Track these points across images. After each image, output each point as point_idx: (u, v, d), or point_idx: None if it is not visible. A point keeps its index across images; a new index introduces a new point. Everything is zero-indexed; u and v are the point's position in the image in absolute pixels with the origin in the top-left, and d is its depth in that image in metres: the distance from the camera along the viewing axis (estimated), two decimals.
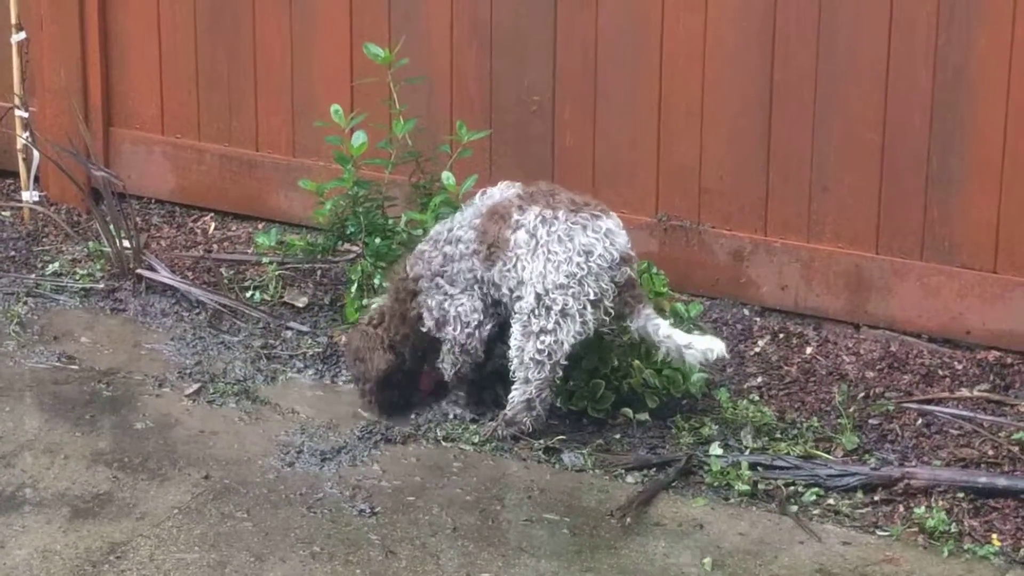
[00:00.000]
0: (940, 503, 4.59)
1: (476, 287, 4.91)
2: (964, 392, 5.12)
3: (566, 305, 4.76)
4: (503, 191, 4.95)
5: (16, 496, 4.65)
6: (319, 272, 5.81)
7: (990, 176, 5.16)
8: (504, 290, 4.88)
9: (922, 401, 5.09)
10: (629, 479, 4.76)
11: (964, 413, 5.01)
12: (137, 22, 6.30)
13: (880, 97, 5.24)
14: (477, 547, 4.43)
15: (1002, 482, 4.64)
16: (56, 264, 6.05)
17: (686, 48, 5.46)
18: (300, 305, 5.68)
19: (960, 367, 5.22)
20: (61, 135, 6.24)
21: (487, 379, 5.08)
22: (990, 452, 4.82)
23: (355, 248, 5.70)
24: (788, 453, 4.83)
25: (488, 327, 4.95)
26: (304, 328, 5.57)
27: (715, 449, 4.82)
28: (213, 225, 6.28)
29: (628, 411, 4.98)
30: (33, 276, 5.98)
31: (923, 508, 4.57)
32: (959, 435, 4.92)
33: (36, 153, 6.34)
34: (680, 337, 4.75)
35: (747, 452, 4.84)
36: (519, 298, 4.83)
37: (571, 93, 5.67)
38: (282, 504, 4.62)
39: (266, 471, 4.79)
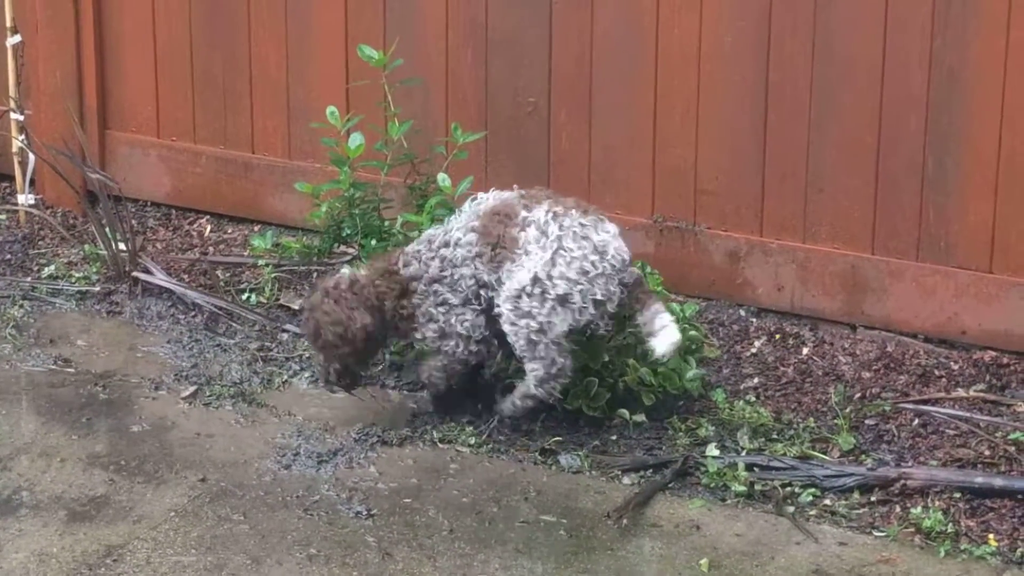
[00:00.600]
0: (936, 503, 4.59)
1: (478, 295, 4.84)
2: (960, 392, 5.12)
3: (568, 295, 4.70)
4: (497, 195, 4.88)
5: (12, 499, 4.65)
6: (315, 274, 5.80)
7: (985, 177, 5.16)
8: None
9: (918, 401, 5.09)
10: (626, 480, 4.76)
11: (960, 413, 5.01)
12: (132, 25, 6.29)
13: (876, 98, 5.24)
14: (474, 549, 4.43)
15: (998, 482, 4.64)
16: (52, 267, 6.04)
17: (681, 50, 5.46)
18: (296, 307, 5.67)
19: (956, 367, 5.22)
20: (57, 138, 6.23)
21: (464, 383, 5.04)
22: (986, 452, 4.82)
23: (351, 250, 5.69)
24: (784, 454, 4.83)
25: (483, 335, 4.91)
26: (300, 331, 5.57)
27: (711, 450, 4.82)
28: (209, 228, 6.27)
29: (624, 412, 4.98)
30: (29, 279, 5.97)
31: (919, 508, 4.57)
32: (955, 435, 4.93)
33: (32, 156, 6.33)
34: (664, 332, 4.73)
35: (743, 453, 4.84)
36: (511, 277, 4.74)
37: (567, 94, 5.66)
38: (279, 506, 4.62)
39: (263, 473, 4.79)
